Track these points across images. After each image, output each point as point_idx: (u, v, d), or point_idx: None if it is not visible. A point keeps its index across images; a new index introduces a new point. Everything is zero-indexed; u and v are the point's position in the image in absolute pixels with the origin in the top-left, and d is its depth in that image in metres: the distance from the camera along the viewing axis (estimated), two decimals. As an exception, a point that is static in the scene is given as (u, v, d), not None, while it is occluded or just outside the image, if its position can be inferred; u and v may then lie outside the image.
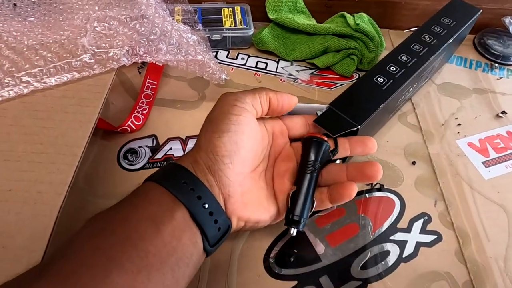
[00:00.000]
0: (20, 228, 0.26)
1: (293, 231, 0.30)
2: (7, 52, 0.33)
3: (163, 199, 0.25)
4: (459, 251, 0.36)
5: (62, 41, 0.34)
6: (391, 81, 0.39)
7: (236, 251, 0.35)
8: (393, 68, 0.41)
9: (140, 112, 0.45)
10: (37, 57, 0.33)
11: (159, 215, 0.24)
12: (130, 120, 0.44)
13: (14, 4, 0.41)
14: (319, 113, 0.35)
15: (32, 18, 0.38)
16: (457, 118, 0.48)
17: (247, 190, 0.29)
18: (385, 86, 0.39)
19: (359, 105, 0.37)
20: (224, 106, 0.29)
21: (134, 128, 0.44)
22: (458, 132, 0.47)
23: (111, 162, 0.41)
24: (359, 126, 0.34)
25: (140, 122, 0.44)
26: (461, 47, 0.58)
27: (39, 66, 0.32)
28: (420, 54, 0.43)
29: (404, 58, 0.42)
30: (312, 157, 0.31)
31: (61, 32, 0.35)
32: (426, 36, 0.45)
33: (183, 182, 0.26)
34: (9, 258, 0.25)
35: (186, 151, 0.43)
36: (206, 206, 0.26)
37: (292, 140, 0.35)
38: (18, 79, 0.32)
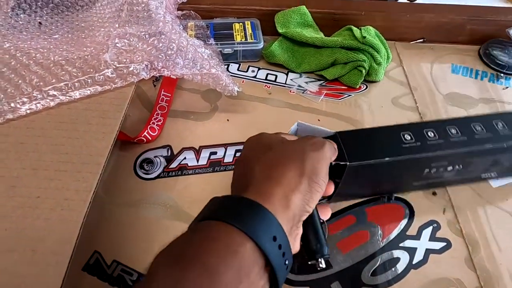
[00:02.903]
0: (49, 233, 0.27)
1: (322, 263, 0.30)
2: (35, 68, 0.35)
3: (247, 259, 0.22)
4: (468, 258, 0.37)
5: (86, 56, 0.36)
6: (419, 143, 0.35)
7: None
8: (431, 134, 0.36)
9: (156, 123, 0.47)
10: (63, 72, 0.35)
11: (235, 282, 0.21)
12: (146, 131, 0.45)
13: (40, 23, 0.44)
14: (321, 132, 0.36)
15: (57, 36, 0.41)
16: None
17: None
18: (408, 145, 0.35)
19: (365, 147, 0.35)
20: (325, 161, 0.30)
21: (150, 138, 0.45)
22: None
23: (128, 171, 0.43)
24: (347, 163, 0.33)
25: (156, 133, 0.46)
26: (467, 57, 0.60)
27: (65, 81, 0.34)
28: (476, 137, 0.36)
29: (454, 131, 0.36)
30: None
31: (84, 49, 0.37)
32: (499, 124, 0.37)
33: (273, 236, 0.24)
34: (38, 261, 0.26)
35: (199, 160, 0.45)
36: (287, 262, 0.25)
37: None
38: (45, 93, 0.34)
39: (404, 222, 0.40)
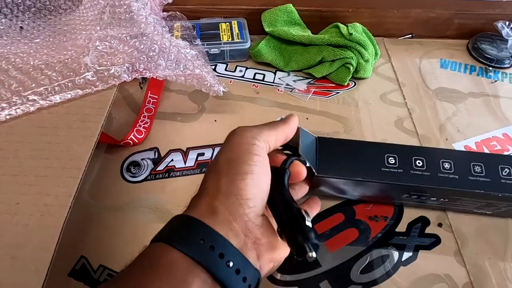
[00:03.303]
0: (28, 239, 0.27)
1: (312, 253, 0.23)
2: (14, 72, 0.35)
3: (176, 267, 0.21)
4: (458, 253, 0.37)
5: (66, 60, 0.35)
6: (401, 171, 0.32)
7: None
8: (419, 163, 0.33)
9: (142, 125, 0.47)
10: (43, 76, 0.35)
11: None
12: (133, 133, 0.45)
13: (21, 27, 0.43)
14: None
15: (38, 40, 0.40)
16: (453, 122, 0.49)
17: (271, 229, 0.27)
18: (388, 169, 0.32)
19: (342, 161, 0.33)
20: (243, 145, 0.27)
21: (137, 141, 0.45)
22: (455, 136, 0.47)
23: (114, 175, 0.43)
24: (316, 174, 0.32)
25: (142, 136, 0.46)
26: (455, 52, 0.59)
27: (45, 85, 0.34)
28: (470, 178, 0.32)
29: (447, 165, 0.32)
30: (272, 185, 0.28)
31: (65, 52, 0.37)
32: (506, 170, 0.33)
33: (200, 239, 0.22)
34: (18, 268, 0.26)
35: (187, 162, 0.44)
36: (231, 264, 0.22)
37: None
38: (25, 98, 0.34)
39: (393, 219, 0.39)
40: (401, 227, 0.39)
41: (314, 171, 0.32)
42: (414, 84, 0.54)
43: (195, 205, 0.25)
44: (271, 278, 0.35)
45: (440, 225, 0.39)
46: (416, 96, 0.52)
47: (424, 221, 0.39)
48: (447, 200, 0.35)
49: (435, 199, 0.35)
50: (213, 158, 0.28)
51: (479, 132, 0.48)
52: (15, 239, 0.27)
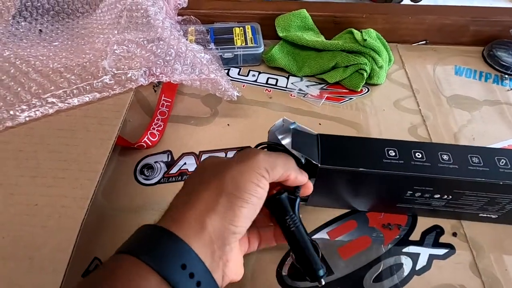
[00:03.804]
0: (46, 240, 0.27)
1: (323, 281, 0.29)
2: (34, 75, 0.35)
3: None
4: (473, 264, 0.36)
5: (85, 63, 0.36)
6: (402, 162, 0.33)
7: (249, 263, 0.36)
8: (418, 155, 0.33)
9: (156, 128, 0.47)
10: (62, 79, 0.35)
11: None
12: (146, 136, 0.45)
13: (40, 30, 0.44)
14: (302, 130, 0.35)
15: (57, 43, 0.41)
16: (468, 130, 0.48)
17: (238, 251, 0.28)
18: (390, 161, 0.33)
19: (343, 154, 0.33)
20: (253, 173, 0.26)
21: (150, 144, 0.45)
22: (470, 144, 0.47)
23: (128, 177, 0.43)
24: (319, 165, 0.32)
25: (156, 138, 0.46)
26: (470, 59, 0.59)
27: (63, 88, 0.35)
28: (470, 167, 0.33)
29: (445, 157, 0.33)
30: (285, 213, 0.30)
31: (83, 55, 0.37)
32: (503, 160, 0.33)
33: (181, 264, 0.22)
34: (36, 269, 0.26)
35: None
36: None
37: None
38: (44, 100, 0.34)
39: (407, 227, 0.39)
40: (415, 236, 0.38)
41: (318, 163, 0.32)
42: (428, 91, 0.54)
43: (181, 216, 0.24)
44: (284, 285, 0.35)
45: (454, 234, 0.38)
46: (430, 103, 0.52)
47: (439, 230, 0.39)
48: (451, 197, 0.35)
49: (439, 196, 0.35)
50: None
51: (494, 140, 0.47)
52: (34, 240, 0.27)
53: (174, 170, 0.44)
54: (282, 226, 0.30)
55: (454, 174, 0.32)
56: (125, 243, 0.23)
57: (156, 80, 0.37)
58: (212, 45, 0.53)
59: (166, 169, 0.44)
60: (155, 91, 0.52)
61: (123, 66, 0.36)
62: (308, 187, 0.33)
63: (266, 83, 0.55)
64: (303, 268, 0.29)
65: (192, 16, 0.57)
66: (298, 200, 0.31)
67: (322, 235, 0.38)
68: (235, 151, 0.46)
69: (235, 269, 0.26)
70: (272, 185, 0.29)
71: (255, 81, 0.55)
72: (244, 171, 0.26)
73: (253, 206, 0.26)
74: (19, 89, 0.35)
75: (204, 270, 0.23)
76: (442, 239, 0.38)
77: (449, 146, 0.35)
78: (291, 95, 0.53)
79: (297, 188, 0.31)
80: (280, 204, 0.30)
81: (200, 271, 0.22)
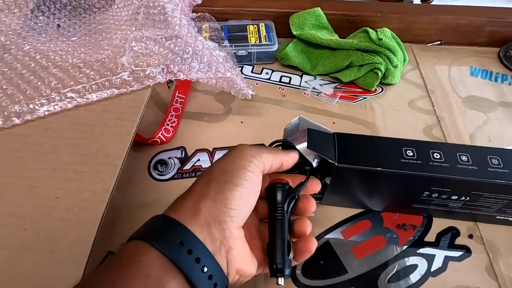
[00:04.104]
0: (67, 233, 0.28)
1: (281, 281, 0.28)
2: (54, 70, 0.35)
3: (153, 267, 0.22)
4: (489, 266, 0.36)
5: (103, 59, 0.36)
6: (420, 162, 0.32)
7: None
8: (437, 155, 0.33)
9: (170, 124, 0.47)
10: (81, 75, 0.35)
11: None
12: (161, 132, 0.46)
13: (58, 25, 0.44)
14: (321, 130, 0.35)
15: (75, 38, 0.41)
16: (484, 132, 0.48)
17: (244, 243, 0.28)
18: (407, 161, 0.33)
19: (360, 153, 0.33)
20: (240, 160, 0.28)
21: (164, 140, 0.46)
22: (486, 145, 0.46)
23: (142, 173, 0.43)
24: (336, 164, 0.32)
25: (170, 134, 0.46)
26: (486, 60, 0.58)
27: (82, 83, 0.35)
28: (489, 169, 0.32)
29: (464, 158, 0.33)
30: (276, 202, 0.31)
31: (102, 51, 0.38)
32: None
33: (179, 241, 0.23)
34: (56, 261, 0.26)
35: (212, 162, 0.45)
36: (206, 269, 0.23)
37: None
38: (63, 95, 0.34)
39: (422, 228, 0.39)
40: (430, 237, 0.38)
41: (335, 162, 0.32)
42: (443, 91, 0.53)
43: (179, 205, 0.26)
44: (298, 283, 0.35)
45: (470, 236, 0.38)
46: (445, 104, 0.51)
47: (454, 232, 0.38)
48: (468, 198, 0.35)
49: (456, 197, 0.35)
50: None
51: (510, 142, 0.47)
52: (54, 232, 0.28)
53: (187, 166, 0.44)
54: (270, 213, 0.31)
55: (473, 175, 0.32)
56: (133, 232, 0.25)
57: (174, 78, 0.37)
58: (226, 42, 0.53)
59: (180, 165, 0.44)
60: (169, 87, 0.52)
61: (141, 63, 0.36)
62: (316, 183, 0.33)
63: (280, 81, 0.54)
64: (268, 258, 0.29)
65: (206, 13, 0.57)
66: (294, 200, 0.31)
67: (336, 234, 0.38)
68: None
69: (240, 259, 0.27)
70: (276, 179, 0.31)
71: (269, 79, 0.55)
72: (231, 160, 0.28)
73: (245, 189, 0.27)
74: (39, 83, 0.35)
75: (203, 248, 0.24)
76: (458, 241, 0.38)
77: (468, 147, 0.34)
78: (304, 93, 0.53)
79: (298, 187, 0.32)
80: (274, 192, 0.31)
81: (198, 249, 0.24)
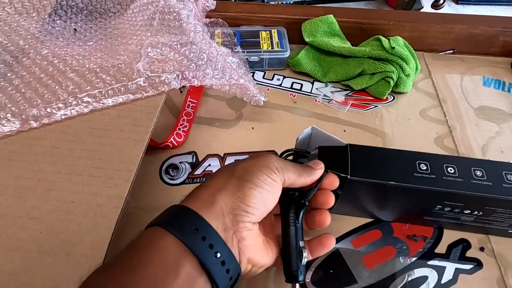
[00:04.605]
0: (82, 237, 0.28)
1: (297, 287, 0.30)
2: (71, 74, 0.36)
3: (169, 250, 0.23)
4: (501, 280, 0.36)
5: (119, 65, 0.37)
6: (433, 176, 0.32)
7: (272, 269, 0.36)
8: (451, 170, 0.33)
9: (181, 129, 0.48)
10: (97, 80, 0.36)
11: (161, 275, 0.22)
12: (173, 137, 0.46)
13: (75, 29, 0.45)
14: (333, 142, 0.35)
15: (91, 43, 0.42)
16: (496, 142, 0.48)
17: (257, 234, 0.29)
18: (421, 175, 0.32)
19: (373, 165, 0.33)
20: (264, 167, 0.28)
21: (176, 144, 0.46)
22: (498, 157, 0.46)
23: (154, 176, 0.44)
24: (349, 176, 0.32)
25: (182, 139, 0.47)
26: (499, 70, 0.58)
27: (99, 88, 0.35)
28: (504, 185, 0.32)
29: (479, 173, 0.32)
30: (289, 210, 0.31)
31: (118, 57, 0.38)
32: None
33: (193, 228, 0.24)
34: (72, 264, 0.27)
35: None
36: (219, 255, 0.24)
37: None
38: (80, 100, 0.35)
39: (432, 239, 0.39)
40: (441, 249, 0.38)
41: (347, 175, 0.32)
42: (455, 101, 0.53)
43: (195, 195, 0.27)
44: (307, 291, 0.35)
45: (482, 249, 0.38)
46: (457, 114, 0.51)
47: (465, 244, 0.38)
48: (481, 213, 0.34)
49: (469, 212, 0.34)
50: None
51: (523, 154, 0.46)
52: (70, 236, 0.28)
53: (198, 171, 0.44)
54: (283, 219, 0.32)
55: (487, 191, 0.32)
56: (150, 221, 0.27)
57: (188, 84, 0.38)
58: (238, 48, 0.54)
59: (190, 170, 0.44)
60: (181, 92, 0.53)
61: (157, 69, 0.37)
62: (334, 179, 0.33)
63: (291, 87, 0.55)
64: (284, 264, 0.30)
65: (219, 19, 0.58)
66: (305, 207, 0.32)
67: (346, 243, 0.38)
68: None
69: (252, 249, 0.27)
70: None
71: (280, 85, 0.55)
72: (255, 164, 0.29)
73: (264, 191, 0.27)
74: (56, 87, 0.35)
75: (216, 236, 0.25)
76: (469, 253, 0.38)
77: (482, 162, 0.34)
78: (316, 100, 0.53)
79: (307, 194, 0.32)
80: (285, 200, 0.31)
81: (212, 236, 0.25)
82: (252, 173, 0.28)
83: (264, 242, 0.30)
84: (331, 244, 0.32)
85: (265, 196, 0.28)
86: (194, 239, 0.24)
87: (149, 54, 0.37)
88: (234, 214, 0.26)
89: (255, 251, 0.28)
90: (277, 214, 0.34)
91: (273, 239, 0.32)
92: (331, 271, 0.36)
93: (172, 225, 0.24)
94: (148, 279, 0.22)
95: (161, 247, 0.23)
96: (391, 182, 0.32)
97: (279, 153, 0.40)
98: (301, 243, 0.30)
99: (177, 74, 0.37)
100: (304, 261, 0.30)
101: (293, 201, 0.32)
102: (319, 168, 0.32)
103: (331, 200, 0.32)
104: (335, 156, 0.34)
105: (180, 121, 0.49)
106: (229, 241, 0.26)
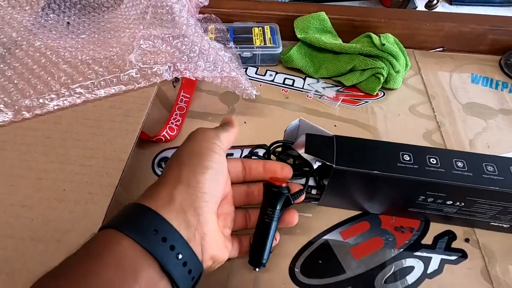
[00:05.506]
0: (73, 225, 0.28)
1: (258, 270, 0.32)
2: (63, 66, 0.36)
3: (126, 255, 0.22)
4: (485, 270, 0.37)
5: (112, 57, 0.37)
6: (416, 166, 0.33)
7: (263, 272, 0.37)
8: (433, 161, 0.34)
9: (174, 123, 0.48)
10: (90, 71, 0.36)
11: (118, 281, 0.21)
12: (165, 130, 0.46)
13: (68, 23, 0.45)
14: (321, 133, 0.36)
15: (84, 36, 0.42)
16: (483, 138, 0.49)
17: (217, 229, 0.28)
18: (404, 165, 0.33)
19: (358, 156, 0.34)
20: (205, 142, 0.28)
21: (169, 138, 0.46)
22: (484, 152, 0.47)
23: (146, 169, 0.44)
24: (334, 165, 0.33)
25: (174, 133, 0.47)
26: (487, 67, 0.59)
27: (91, 79, 0.36)
28: (484, 176, 0.33)
29: (460, 164, 0.33)
30: (272, 206, 0.32)
31: (110, 49, 0.38)
32: None
33: (153, 229, 0.23)
34: (64, 251, 0.27)
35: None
36: (180, 256, 0.23)
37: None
38: (72, 90, 0.35)
39: (419, 230, 0.39)
40: (427, 240, 0.39)
41: (333, 164, 0.33)
42: (444, 97, 0.54)
43: (153, 193, 0.26)
44: (296, 281, 0.36)
45: (467, 240, 0.39)
46: (445, 110, 0.52)
47: (451, 235, 0.39)
48: (463, 204, 0.35)
49: (451, 202, 0.35)
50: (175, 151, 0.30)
51: (509, 149, 0.47)
52: (61, 224, 0.28)
53: (191, 165, 0.45)
54: (262, 212, 0.33)
55: (467, 181, 0.33)
56: (104, 222, 0.26)
57: (180, 76, 0.38)
58: (231, 44, 0.54)
59: (183, 163, 0.45)
60: (174, 86, 0.53)
61: (149, 61, 0.37)
62: (289, 170, 0.34)
63: (283, 83, 0.55)
64: (253, 251, 0.32)
65: (212, 15, 0.58)
66: (289, 206, 0.33)
67: (335, 234, 0.39)
68: (250, 149, 0.46)
69: (215, 245, 0.27)
70: (282, 180, 0.33)
71: (272, 81, 0.56)
72: (196, 141, 0.29)
73: (214, 171, 0.27)
74: (49, 78, 0.36)
75: (178, 236, 0.24)
76: (454, 244, 0.39)
77: (464, 154, 0.35)
78: (307, 96, 0.54)
79: (296, 194, 0.33)
80: (275, 196, 0.32)
81: (173, 236, 0.23)
82: (199, 155, 0.28)
83: (223, 238, 0.30)
84: (295, 221, 0.34)
85: (215, 176, 0.27)
86: (154, 241, 0.22)
87: (141, 46, 0.37)
88: (195, 208, 0.26)
89: (217, 247, 0.28)
90: (238, 207, 0.34)
91: (228, 234, 0.31)
92: (320, 261, 0.37)
93: (129, 227, 0.23)
94: (104, 285, 0.20)
95: (117, 253, 0.22)
96: (375, 172, 0.33)
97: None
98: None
99: (169, 66, 0.37)
100: (270, 249, 0.32)
101: (283, 199, 0.32)
102: (231, 119, 0.34)
103: (295, 220, 0.34)
104: (322, 145, 0.35)
105: (173, 115, 0.49)
106: (192, 239, 0.25)
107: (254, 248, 0.32)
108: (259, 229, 0.32)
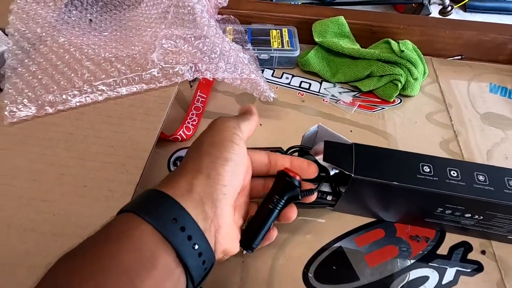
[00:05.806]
0: (93, 221, 0.28)
1: (245, 252, 0.31)
2: (87, 63, 0.37)
3: (144, 240, 0.22)
4: (501, 283, 0.36)
5: (134, 55, 0.37)
6: (436, 179, 0.33)
7: (277, 262, 0.37)
8: (454, 173, 0.33)
9: (191, 122, 0.48)
10: (112, 69, 0.37)
11: (135, 265, 0.21)
12: (182, 129, 0.47)
13: (90, 20, 0.46)
14: (339, 140, 0.36)
15: (106, 33, 0.42)
16: (501, 149, 0.48)
17: (232, 222, 0.28)
18: (424, 177, 0.33)
19: (377, 165, 0.33)
20: (225, 132, 0.28)
21: (185, 137, 0.47)
22: (502, 163, 0.46)
23: (162, 168, 0.44)
24: (352, 175, 0.33)
25: (190, 132, 0.47)
26: (506, 77, 0.58)
27: (114, 77, 0.36)
28: (506, 191, 0.32)
29: (481, 177, 0.33)
30: (280, 194, 0.31)
31: (133, 47, 0.39)
32: None
33: (173, 218, 0.23)
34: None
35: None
36: (196, 247, 0.23)
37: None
38: (95, 87, 0.36)
39: (435, 240, 0.39)
40: (443, 250, 0.38)
41: (351, 174, 0.33)
42: (462, 106, 0.53)
43: (172, 181, 0.26)
44: (310, 286, 0.35)
45: (483, 252, 0.38)
46: (463, 119, 0.52)
47: (467, 247, 0.39)
48: (482, 217, 0.35)
49: (470, 215, 0.35)
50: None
51: (527, 161, 0.47)
52: (82, 220, 0.29)
53: (206, 165, 0.45)
54: (267, 198, 0.32)
55: (489, 196, 0.32)
56: (124, 205, 0.25)
57: (201, 77, 0.38)
58: (249, 45, 0.54)
59: (198, 163, 0.45)
60: (191, 86, 0.53)
61: (171, 60, 0.37)
62: (315, 170, 0.34)
63: (299, 86, 0.55)
64: (246, 234, 0.31)
65: (231, 16, 0.58)
66: (296, 201, 0.33)
67: (350, 241, 0.39)
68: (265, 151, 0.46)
69: (228, 238, 0.27)
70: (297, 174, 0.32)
71: (289, 83, 0.56)
72: (217, 131, 0.28)
73: (234, 163, 0.27)
74: (72, 74, 0.36)
75: (196, 226, 0.24)
76: (470, 256, 0.38)
77: (485, 167, 0.34)
78: (323, 100, 0.53)
79: (306, 192, 0.33)
80: (286, 186, 0.32)
81: (191, 227, 0.24)
82: (219, 146, 0.27)
83: (237, 231, 0.30)
84: (293, 217, 0.33)
85: (235, 168, 0.27)
86: (173, 229, 0.23)
87: (164, 45, 0.38)
88: (213, 200, 0.26)
89: (230, 241, 0.28)
90: (253, 200, 0.34)
91: (240, 225, 0.31)
92: (334, 267, 0.37)
93: (149, 213, 0.23)
94: (121, 268, 0.20)
95: (136, 237, 0.22)
96: (394, 183, 0.33)
97: (285, 150, 0.41)
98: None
99: (190, 66, 0.38)
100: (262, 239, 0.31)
101: (293, 191, 0.32)
102: (250, 107, 0.33)
103: (294, 215, 0.33)
104: (340, 153, 0.34)
105: (190, 115, 0.49)
106: (207, 230, 0.25)
107: (249, 230, 0.31)
108: (261, 214, 0.31)
